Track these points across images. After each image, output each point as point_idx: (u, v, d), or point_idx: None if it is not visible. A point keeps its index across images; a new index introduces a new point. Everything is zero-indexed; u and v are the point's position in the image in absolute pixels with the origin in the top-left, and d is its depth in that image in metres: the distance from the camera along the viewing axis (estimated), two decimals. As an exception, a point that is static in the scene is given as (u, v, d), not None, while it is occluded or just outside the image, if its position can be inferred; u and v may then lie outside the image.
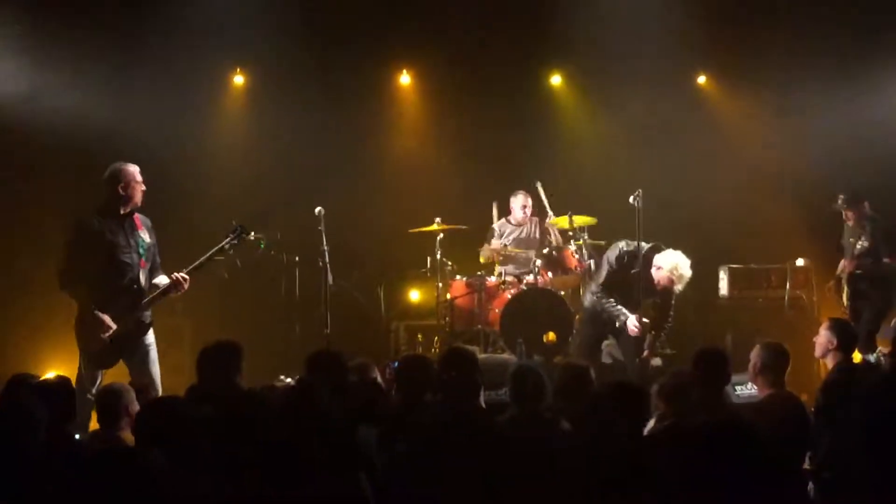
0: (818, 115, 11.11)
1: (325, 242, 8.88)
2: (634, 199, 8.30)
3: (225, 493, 4.14)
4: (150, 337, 7.48)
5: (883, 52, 10.82)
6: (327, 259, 8.86)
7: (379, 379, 6.23)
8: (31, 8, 9.81)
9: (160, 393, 7.30)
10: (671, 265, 8.17)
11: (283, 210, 9.75)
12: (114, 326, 7.17)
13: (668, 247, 8.46)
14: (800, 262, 10.55)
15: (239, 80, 11.48)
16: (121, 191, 7.31)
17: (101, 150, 9.96)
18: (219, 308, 9.08)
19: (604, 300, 8.37)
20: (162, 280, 7.45)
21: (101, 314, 7.14)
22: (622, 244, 8.50)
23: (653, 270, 8.24)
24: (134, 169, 7.40)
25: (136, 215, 7.43)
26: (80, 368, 7.34)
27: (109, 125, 10.08)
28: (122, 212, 7.32)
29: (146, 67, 10.30)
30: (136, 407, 5.34)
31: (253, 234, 7.81)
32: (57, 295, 7.52)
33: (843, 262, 10.04)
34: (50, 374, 7.57)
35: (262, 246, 8.26)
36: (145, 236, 7.41)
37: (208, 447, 4.49)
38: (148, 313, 7.44)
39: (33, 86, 9.94)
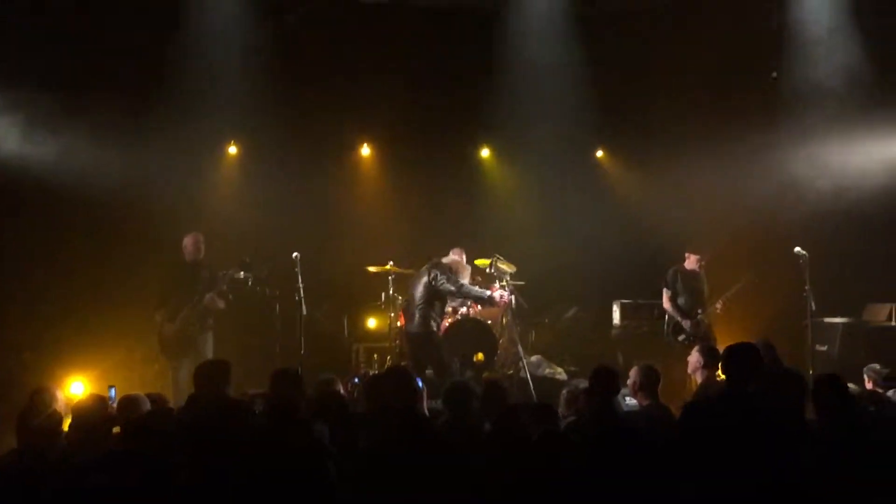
0: (690, 179, 11.20)
1: (300, 280, 8.90)
2: (493, 264, 9.76)
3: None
4: (204, 342, 9.01)
5: (741, 128, 10.94)
6: (302, 294, 8.87)
7: (342, 390, 6.25)
8: (62, 85, 9.64)
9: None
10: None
11: (266, 254, 9.65)
12: (174, 325, 8.93)
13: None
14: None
15: (233, 149, 11.50)
16: (184, 249, 9.23)
17: (117, 202, 9.92)
18: (215, 332, 9.01)
19: (470, 288, 9.05)
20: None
21: (165, 322, 8.98)
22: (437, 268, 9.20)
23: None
24: (193, 237, 9.26)
25: (201, 261, 9.23)
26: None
27: (127, 184, 9.97)
28: (186, 260, 9.22)
29: (159, 140, 10.16)
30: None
31: (242, 272, 8.93)
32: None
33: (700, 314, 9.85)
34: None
35: (249, 283, 8.99)
36: (204, 274, 9.13)
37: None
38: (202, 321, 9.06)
39: (61, 149, 9.75)
